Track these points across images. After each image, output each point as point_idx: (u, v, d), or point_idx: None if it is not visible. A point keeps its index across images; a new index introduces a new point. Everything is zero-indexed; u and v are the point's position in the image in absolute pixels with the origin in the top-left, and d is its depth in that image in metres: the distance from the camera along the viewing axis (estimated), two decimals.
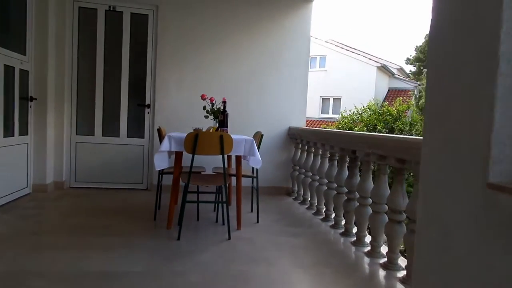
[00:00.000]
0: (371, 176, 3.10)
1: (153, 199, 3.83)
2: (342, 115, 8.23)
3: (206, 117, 4.00)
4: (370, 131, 7.49)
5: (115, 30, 4.78)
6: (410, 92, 22.34)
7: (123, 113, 4.83)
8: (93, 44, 4.72)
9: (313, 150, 4.50)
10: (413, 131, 7.51)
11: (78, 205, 3.98)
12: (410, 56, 36.46)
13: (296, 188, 4.99)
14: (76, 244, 2.77)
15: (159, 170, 3.46)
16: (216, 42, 4.92)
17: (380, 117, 7.62)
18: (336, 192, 3.64)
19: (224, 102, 3.76)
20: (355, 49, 22.07)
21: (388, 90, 23.23)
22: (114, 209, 3.89)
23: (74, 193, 4.52)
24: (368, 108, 8.06)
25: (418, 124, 7.64)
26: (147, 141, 4.88)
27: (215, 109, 3.98)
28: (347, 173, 3.55)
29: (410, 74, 33.01)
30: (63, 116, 4.62)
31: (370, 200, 3.09)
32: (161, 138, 3.75)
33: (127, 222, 3.43)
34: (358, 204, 3.15)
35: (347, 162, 3.58)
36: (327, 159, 4.08)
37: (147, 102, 4.87)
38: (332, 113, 21.54)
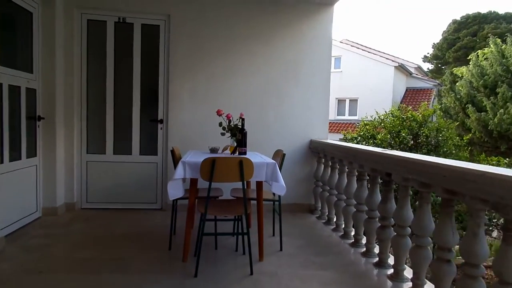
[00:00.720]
0: (409, 202, 2.76)
1: (168, 221, 3.57)
2: (363, 122, 7.83)
3: (223, 134, 3.72)
4: (394, 138, 7.09)
5: (125, 42, 4.55)
6: (429, 92, 21.68)
7: (135, 129, 4.59)
8: (103, 58, 4.50)
9: (338, 166, 4.17)
10: (439, 137, 7.06)
11: (89, 231, 3.74)
12: (428, 53, 35.57)
13: (320, 206, 4.66)
14: (85, 286, 2.51)
15: None
16: (230, 52, 4.64)
17: (404, 123, 7.19)
18: (367, 217, 3.29)
19: (242, 119, 3.47)
20: (371, 48, 21.53)
21: (406, 90, 22.62)
22: (127, 235, 3.64)
23: (86, 215, 4.29)
24: (391, 113, 7.64)
25: (444, 130, 7.19)
26: (160, 158, 4.63)
27: (232, 125, 3.70)
28: (379, 196, 3.21)
29: (428, 73, 32.15)
30: (73, 134, 4.41)
31: (408, 230, 2.75)
32: (175, 160, 3.48)
33: (141, 252, 3.16)
34: (396, 233, 2.80)
35: (379, 184, 3.24)
36: (355, 177, 3.75)
37: (159, 117, 4.62)
38: (349, 115, 21.03)
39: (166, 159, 4.60)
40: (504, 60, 10.56)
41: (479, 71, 10.84)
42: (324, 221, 4.39)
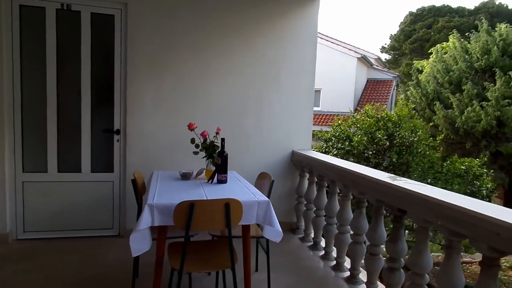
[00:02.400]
0: (428, 247, 2.31)
1: (129, 252, 2.87)
2: (336, 122, 7.44)
3: (196, 153, 3.06)
4: (370, 140, 6.77)
5: (71, 35, 3.69)
6: (390, 83, 22.05)
7: (85, 142, 3.78)
8: (42, 54, 3.62)
9: (327, 186, 3.68)
10: (415, 138, 6.84)
11: (24, 278, 2.95)
12: (385, 44, 36.31)
13: (303, 225, 4.17)
14: None
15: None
16: (203, 50, 3.94)
17: (380, 123, 6.88)
18: (369, 253, 2.83)
19: (222, 139, 2.83)
20: (335, 39, 21.36)
21: (367, 81, 22.86)
22: (76, 281, 2.91)
23: (22, 250, 3.47)
24: (365, 112, 7.31)
25: (420, 131, 6.98)
26: (117, 176, 3.87)
27: (208, 143, 3.05)
28: (384, 232, 2.76)
29: (386, 63, 32.85)
30: (3, 149, 3.53)
31: (427, 278, 2.31)
32: (137, 191, 2.78)
33: None
34: (411, 282, 2.35)
35: (384, 215, 2.78)
36: (349, 201, 3.28)
37: (116, 127, 3.84)
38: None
39: (124, 177, 3.85)
40: (468, 57, 10.66)
41: (444, 66, 10.89)
42: (309, 244, 3.90)
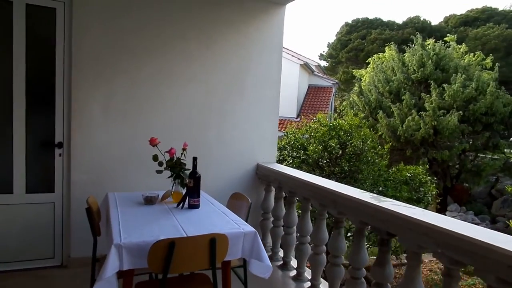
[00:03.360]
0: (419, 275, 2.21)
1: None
2: (290, 129, 7.38)
3: (160, 172, 2.69)
4: (324, 149, 6.79)
5: (2, 29, 3.08)
6: (329, 90, 22.90)
7: (18, 157, 3.17)
8: None
9: (298, 202, 3.51)
10: (365, 147, 7.02)
11: None
12: (323, 52, 37.87)
13: (270, 243, 3.94)
14: None
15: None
16: (160, 53, 3.54)
17: (333, 132, 6.95)
18: (351, 277, 2.68)
19: (194, 158, 2.50)
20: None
21: (308, 87, 23.49)
22: None
23: None
24: (318, 120, 7.35)
25: (369, 140, 7.18)
26: (59, 196, 3.31)
27: (174, 161, 2.70)
28: (366, 254, 2.64)
29: (324, 70, 34.19)
30: None
31: None
32: (95, 224, 2.34)
33: None
34: None
35: (366, 238, 2.66)
36: (325, 221, 3.12)
37: (57, 139, 3.28)
38: None
39: (68, 197, 3.30)
40: (405, 69, 11.36)
41: (384, 77, 11.48)
42: (279, 264, 3.67)
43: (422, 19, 34.08)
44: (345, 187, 2.88)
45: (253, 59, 3.93)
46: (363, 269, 2.67)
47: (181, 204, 2.46)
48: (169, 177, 2.71)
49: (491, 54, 15.06)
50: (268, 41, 3.98)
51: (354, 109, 11.22)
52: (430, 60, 10.59)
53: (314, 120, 7.55)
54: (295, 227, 3.53)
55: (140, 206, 2.46)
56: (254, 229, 2.05)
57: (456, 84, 9.62)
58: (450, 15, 35.19)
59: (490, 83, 9.64)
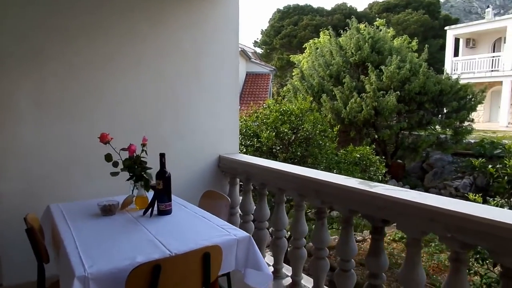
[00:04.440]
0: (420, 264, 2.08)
1: None
2: (240, 118, 7.07)
3: (115, 174, 2.24)
4: (277, 135, 6.62)
5: None
6: (267, 77, 22.93)
7: None
8: None
9: (268, 193, 3.25)
10: (316, 131, 6.98)
11: None
12: (257, 39, 37.83)
13: None
14: None
15: None
16: (101, 32, 2.99)
17: (284, 117, 6.80)
18: (340, 269, 2.50)
19: (161, 155, 2.09)
20: None
21: (246, 75, 23.30)
22: None
23: None
24: (268, 106, 7.14)
25: (319, 124, 7.16)
26: None
27: (133, 160, 2.26)
28: (355, 245, 2.46)
29: (260, 57, 34.20)
30: None
31: None
32: (41, 251, 1.83)
33: None
34: None
35: (351, 226, 2.49)
36: (303, 212, 2.90)
37: None
38: None
39: None
40: (343, 52, 11.63)
41: (324, 61, 11.65)
42: None
43: (349, 5, 35.60)
44: (328, 174, 2.67)
45: (207, 39, 3.53)
46: (352, 260, 2.50)
47: (149, 211, 2.04)
48: (128, 180, 2.27)
49: (415, 38, 16.12)
50: (223, 17, 3.59)
51: (298, 94, 11.26)
52: (366, 43, 10.95)
53: (264, 107, 7.32)
54: (267, 222, 3.28)
55: (97, 219, 2.00)
56: (247, 234, 1.73)
57: (392, 66, 10.07)
58: (373, 2, 37.22)
59: (422, 64, 10.26)
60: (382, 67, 10.22)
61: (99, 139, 2.29)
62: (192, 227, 1.84)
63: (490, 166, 3.95)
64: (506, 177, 3.38)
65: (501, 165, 3.32)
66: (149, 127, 3.23)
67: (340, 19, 32.16)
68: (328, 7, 36.57)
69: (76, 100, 2.89)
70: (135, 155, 2.23)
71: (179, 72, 3.39)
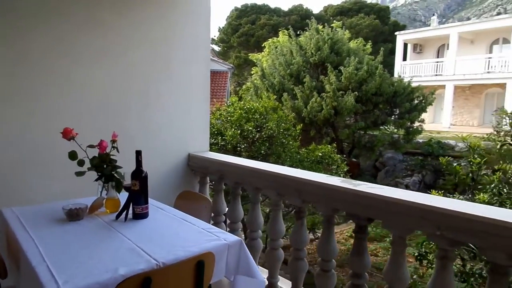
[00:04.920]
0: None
1: None
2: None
3: (81, 174, 2.01)
4: (241, 133, 6.51)
5: None
6: (226, 74, 22.73)
7: None
8: None
9: (241, 192, 3.14)
10: (280, 129, 6.98)
11: None
12: (215, 36, 37.35)
13: None
14: None
15: None
16: (62, 18, 2.69)
17: (248, 115, 6.71)
18: (321, 269, 2.44)
19: (138, 152, 1.90)
20: None
21: None
22: None
23: None
24: (232, 104, 7.02)
25: (283, 122, 7.17)
26: None
27: (103, 156, 2.05)
28: (336, 244, 2.43)
29: (217, 54, 33.82)
30: None
31: None
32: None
33: None
34: None
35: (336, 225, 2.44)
36: (281, 211, 2.82)
37: None
38: None
39: None
40: (303, 52, 11.77)
41: (284, 60, 11.72)
42: None
43: (305, 7, 36.31)
44: (309, 173, 2.60)
45: (178, 32, 3.33)
46: (333, 260, 2.46)
47: (124, 214, 1.84)
48: (96, 180, 2.04)
49: (370, 41, 16.78)
50: (195, 10, 3.41)
51: (258, 92, 11.22)
52: (325, 44, 11.16)
53: (228, 104, 7.17)
54: (240, 223, 3.17)
55: (62, 225, 1.76)
56: (238, 238, 1.60)
57: (350, 67, 10.36)
58: (328, 5, 38.28)
59: (378, 66, 10.66)
60: (341, 67, 10.48)
61: (62, 135, 2.04)
62: (176, 232, 1.67)
63: (456, 164, 4.13)
64: (470, 174, 3.54)
65: (464, 163, 3.47)
66: (115, 122, 2.98)
67: (297, 20, 32.75)
68: (285, 7, 37.11)
69: (29, 91, 2.57)
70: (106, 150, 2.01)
71: (147, 63, 3.16)
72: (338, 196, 2.26)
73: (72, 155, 2.04)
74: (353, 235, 2.28)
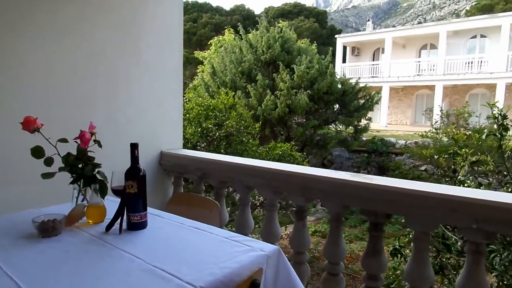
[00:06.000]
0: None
1: None
2: None
3: (49, 176, 1.58)
4: (202, 130, 6.13)
5: None
6: None
7: None
8: None
9: (225, 193, 2.81)
10: (241, 127, 6.72)
11: None
12: None
13: None
14: None
15: None
16: None
17: (208, 112, 6.35)
18: (328, 273, 2.22)
19: (133, 146, 1.52)
20: None
21: None
22: None
23: None
24: (189, 101, 6.60)
25: (243, 121, 6.92)
26: None
27: (80, 153, 1.63)
28: (344, 246, 2.22)
29: None
30: None
31: None
32: None
33: None
34: None
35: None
36: (276, 212, 2.55)
37: None
38: None
39: None
40: (253, 50, 11.60)
41: (235, 57, 11.45)
42: None
43: (247, 7, 36.43)
44: (314, 169, 2.36)
45: (148, 11, 2.90)
46: (341, 263, 2.26)
47: (118, 225, 1.44)
48: (72, 183, 1.61)
49: (315, 42, 17.19)
50: None
51: (210, 90, 10.82)
52: (277, 42, 11.11)
53: (185, 100, 6.72)
54: (225, 227, 2.85)
55: (35, 243, 1.31)
56: (275, 246, 1.30)
57: (303, 66, 10.41)
58: (269, 7, 38.87)
59: (329, 65, 10.87)
60: (294, 66, 10.50)
61: (22, 126, 1.58)
62: (193, 244, 1.32)
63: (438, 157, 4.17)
64: (453, 166, 3.58)
65: (451, 156, 3.50)
66: (76, 111, 2.50)
67: (239, 19, 32.50)
68: (227, 7, 36.83)
69: None
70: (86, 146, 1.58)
71: (115, 46, 2.70)
72: (352, 192, 2.06)
73: (37, 152, 1.58)
74: (368, 233, 2.09)
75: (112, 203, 1.63)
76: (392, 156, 14.06)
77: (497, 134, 2.89)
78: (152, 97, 2.98)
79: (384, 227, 2.07)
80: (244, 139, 6.99)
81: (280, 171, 2.34)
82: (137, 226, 1.46)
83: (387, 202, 1.94)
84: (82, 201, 1.66)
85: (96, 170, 1.61)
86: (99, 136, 2.40)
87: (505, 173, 3.30)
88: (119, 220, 1.45)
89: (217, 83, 11.09)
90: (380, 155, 13.98)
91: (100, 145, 1.67)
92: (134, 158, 1.48)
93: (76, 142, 1.59)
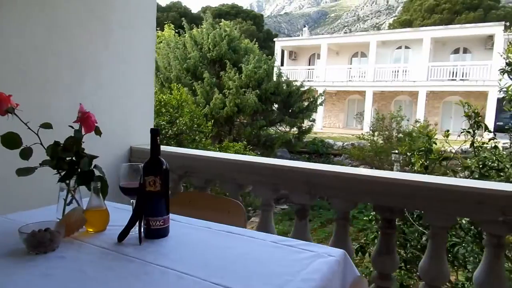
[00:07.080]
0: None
1: None
2: None
3: (27, 172, 1.21)
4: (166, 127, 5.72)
5: None
6: None
7: None
8: None
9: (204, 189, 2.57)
10: (194, 126, 6.41)
11: None
12: None
13: None
14: None
15: None
16: None
17: (160, 108, 5.94)
18: None
19: (154, 131, 1.22)
20: None
21: None
22: None
23: None
24: None
25: (195, 118, 6.61)
26: None
27: (68, 143, 1.29)
28: (351, 244, 2.11)
29: None
30: None
31: None
32: None
33: None
34: None
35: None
36: (271, 212, 2.36)
37: None
38: None
39: None
40: (199, 47, 11.23)
41: (179, 53, 10.95)
42: None
43: (183, 5, 35.52)
44: (319, 164, 2.21)
45: None
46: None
47: (137, 233, 1.12)
48: (61, 181, 1.25)
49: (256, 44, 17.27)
50: None
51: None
52: (223, 40, 10.88)
53: None
54: None
55: (31, 262, 0.95)
56: (341, 249, 1.11)
57: (251, 65, 10.31)
58: (206, 6, 38.36)
59: (275, 66, 10.92)
60: (242, 65, 10.37)
61: None
62: (246, 252, 1.07)
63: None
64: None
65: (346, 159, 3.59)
66: (35, 97, 2.05)
67: (176, 17, 31.63)
68: (163, 3, 35.54)
69: None
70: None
71: (81, 24, 2.28)
72: (364, 188, 1.95)
73: (10, 140, 1.20)
74: (380, 230, 2.00)
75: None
76: (331, 156, 14.65)
77: (470, 131, 3.02)
78: (123, 85, 2.60)
79: (396, 224, 2.00)
80: (196, 137, 6.67)
81: (281, 166, 2.14)
82: (159, 233, 1.16)
83: (404, 197, 1.86)
84: (70, 203, 1.30)
85: (94, 164, 1.27)
86: (62, 127, 1.98)
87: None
88: (135, 227, 1.14)
89: (160, 79, 10.50)
90: (320, 156, 14.47)
91: (99, 133, 1.32)
92: (155, 147, 1.18)
93: (72, 127, 1.23)
